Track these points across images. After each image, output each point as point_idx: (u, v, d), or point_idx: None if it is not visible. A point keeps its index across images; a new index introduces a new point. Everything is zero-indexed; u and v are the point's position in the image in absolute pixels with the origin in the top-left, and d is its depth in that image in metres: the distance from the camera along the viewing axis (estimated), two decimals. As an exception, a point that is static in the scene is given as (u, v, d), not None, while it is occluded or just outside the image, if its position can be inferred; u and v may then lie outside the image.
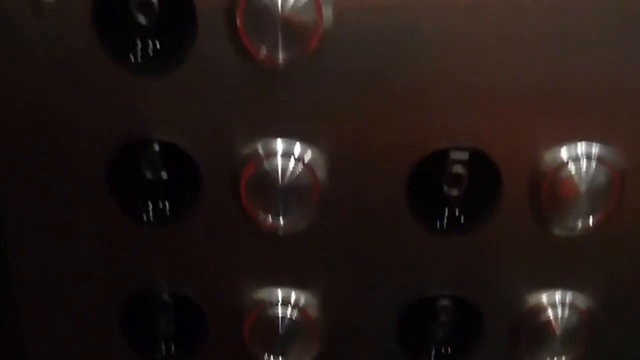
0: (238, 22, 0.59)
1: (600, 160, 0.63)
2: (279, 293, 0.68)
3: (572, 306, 0.68)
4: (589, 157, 0.63)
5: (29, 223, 0.68)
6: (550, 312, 0.68)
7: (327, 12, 0.59)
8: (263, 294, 0.69)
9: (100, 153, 0.64)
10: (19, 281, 0.71)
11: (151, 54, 0.61)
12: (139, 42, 0.60)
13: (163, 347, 0.71)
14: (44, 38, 0.61)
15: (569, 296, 0.68)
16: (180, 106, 0.63)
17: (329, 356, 0.70)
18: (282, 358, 0.69)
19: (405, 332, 0.70)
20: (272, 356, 0.70)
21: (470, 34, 0.60)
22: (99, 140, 0.64)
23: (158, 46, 0.61)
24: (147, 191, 0.65)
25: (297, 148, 0.63)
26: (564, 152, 0.63)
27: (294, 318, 0.68)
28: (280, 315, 0.68)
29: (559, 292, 0.68)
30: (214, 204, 0.66)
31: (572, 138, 0.63)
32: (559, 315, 0.68)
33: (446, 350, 0.70)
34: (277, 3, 0.58)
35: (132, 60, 0.61)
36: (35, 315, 0.72)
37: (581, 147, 0.63)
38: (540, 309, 0.68)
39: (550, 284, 0.68)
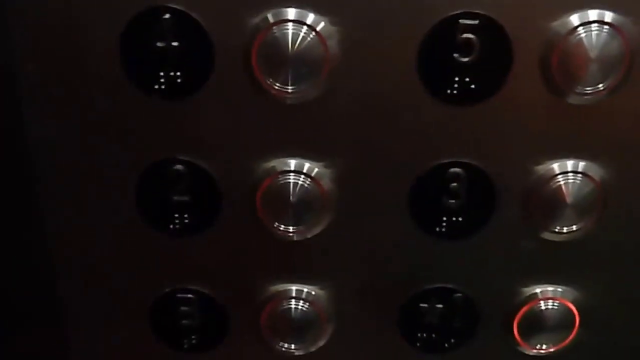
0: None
1: (611, 26, 0.62)
2: (292, 163, 0.70)
3: (584, 173, 0.69)
4: (600, 22, 0.63)
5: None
6: (561, 179, 0.69)
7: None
8: (275, 163, 0.70)
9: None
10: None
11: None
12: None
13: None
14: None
15: (581, 164, 0.69)
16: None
17: (342, 225, 0.72)
18: (294, 226, 0.71)
19: (416, 201, 0.71)
20: (282, 225, 0.72)
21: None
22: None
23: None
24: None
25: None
26: (574, 19, 0.63)
27: (306, 185, 0.69)
28: (292, 181, 0.69)
29: (571, 160, 0.69)
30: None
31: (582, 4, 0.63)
32: (570, 182, 0.69)
33: (457, 219, 0.71)
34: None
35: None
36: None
37: (592, 13, 0.63)
38: (551, 177, 0.69)
39: (563, 153, 0.69)
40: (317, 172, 0.69)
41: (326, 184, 0.70)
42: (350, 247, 0.73)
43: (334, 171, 0.70)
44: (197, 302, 0.76)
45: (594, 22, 0.62)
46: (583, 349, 0.76)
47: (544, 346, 0.76)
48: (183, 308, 0.76)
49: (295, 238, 0.72)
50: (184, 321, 0.77)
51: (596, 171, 0.69)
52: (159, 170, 0.70)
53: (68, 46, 0.66)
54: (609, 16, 0.63)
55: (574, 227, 0.71)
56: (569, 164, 0.69)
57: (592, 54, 0.63)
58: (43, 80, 0.67)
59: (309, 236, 0.72)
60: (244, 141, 0.69)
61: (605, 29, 0.62)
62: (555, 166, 0.69)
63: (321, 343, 0.77)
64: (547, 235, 0.71)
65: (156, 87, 0.66)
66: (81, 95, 0.68)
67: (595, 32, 0.62)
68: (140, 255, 0.75)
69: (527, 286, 0.75)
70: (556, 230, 0.71)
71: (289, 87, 0.65)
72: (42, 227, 0.73)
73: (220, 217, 0.72)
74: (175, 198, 0.71)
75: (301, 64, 0.64)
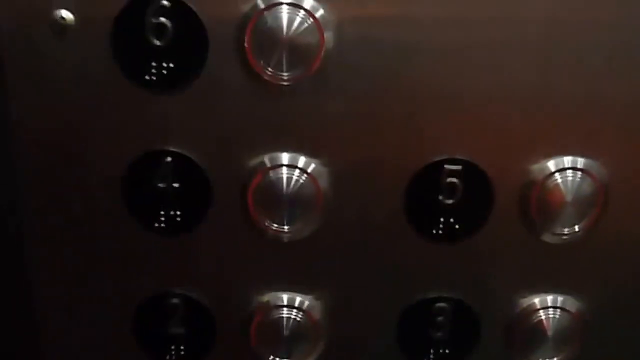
0: (246, 44, 0.64)
1: (585, 172, 0.67)
2: (285, 297, 0.72)
3: (564, 308, 0.72)
4: (574, 169, 0.67)
5: (47, 229, 0.72)
6: (542, 314, 0.72)
7: (329, 35, 0.64)
8: (269, 297, 0.72)
9: (117, 163, 0.68)
10: (36, 282, 0.74)
11: (165, 73, 0.65)
12: (154, 63, 0.65)
13: (173, 349, 0.74)
14: (66, 59, 0.66)
15: (560, 299, 0.72)
16: (192, 121, 0.67)
17: (332, 357, 0.74)
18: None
19: (404, 333, 0.73)
20: (277, 358, 0.73)
21: (462, 49, 0.64)
22: (116, 152, 0.68)
23: (172, 66, 0.65)
24: (160, 201, 0.69)
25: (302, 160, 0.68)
26: (551, 165, 0.67)
27: (298, 319, 0.72)
28: (285, 316, 0.72)
29: (551, 295, 0.72)
30: (223, 213, 0.70)
31: (559, 152, 0.67)
32: (551, 317, 0.72)
33: (444, 351, 0.74)
34: (282, 26, 0.63)
35: (148, 79, 0.65)
36: (51, 315, 0.75)
37: (568, 160, 0.67)
38: (532, 311, 0.72)
39: (542, 288, 0.72)
40: (308, 306, 0.72)
41: (316, 315, 0.72)
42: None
43: (323, 303, 0.72)
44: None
45: (568, 168, 0.67)
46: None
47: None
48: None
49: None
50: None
51: (574, 304, 0.72)
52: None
53: (71, 179, 0.69)
54: (582, 163, 0.67)
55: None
56: (549, 298, 0.72)
57: (568, 197, 0.67)
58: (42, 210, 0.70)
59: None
60: (243, 281, 0.72)
61: (579, 174, 0.67)
62: (537, 301, 0.72)
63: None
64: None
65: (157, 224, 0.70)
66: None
67: (571, 177, 0.67)
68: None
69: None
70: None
71: (285, 227, 0.68)
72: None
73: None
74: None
75: (295, 205, 0.67)
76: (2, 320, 0.75)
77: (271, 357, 0.73)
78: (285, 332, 0.72)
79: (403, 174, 0.68)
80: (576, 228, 0.68)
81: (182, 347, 0.74)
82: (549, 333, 0.72)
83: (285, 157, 0.67)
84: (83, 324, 0.75)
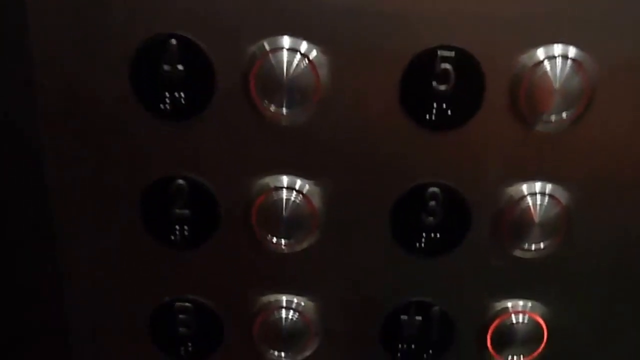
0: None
1: (573, 60, 0.69)
2: (285, 179, 0.75)
3: (552, 195, 0.74)
4: (564, 57, 0.69)
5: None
6: (529, 200, 0.75)
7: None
8: (270, 180, 0.76)
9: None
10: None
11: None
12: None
13: (177, 230, 0.79)
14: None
15: (548, 186, 0.74)
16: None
17: (327, 245, 0.77)
18: (285, 241, 0.77)
19: (397, 220, 0.76)
20: (275, 238, 0.77)
21: None
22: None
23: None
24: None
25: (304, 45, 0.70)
26: (540, 53, 0.70)
27: (297, 202, 0.75)
28: (285, 198, 0.75)
29: (539, 182, 0.75)
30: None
31: (549, 40, 0.69)
32: (538, 204, 0.74)
33: (435, 236, 0.76)
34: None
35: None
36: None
37: (557, 48, 0.69)
38: (520, 199, 0.75)
39: (531, 176, 0.75)
40: (308, 190, 0.75)
41: (316, 202, 0.76)
42: (336, 261, 0.79)
43: (323, 190, 0.75)
44: (194, 311, 0.81)
45: (558, 56, 0.69)
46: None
47: (515, 358, 0.82)
48: (181, 317, 0.81)
49: (285, 251, 0.78)
50: (181, 329, 0.81)
51: (561, 193, 0.75)
52: (162, 186, 0.76)
53: (81, 65, 0.72)
54: (572, 51, 0.70)
55: (542, 246, 0.77)
56: (537, 186, 0.75)
57: (556, 85, 0.70)
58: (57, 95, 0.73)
59: (298, 250, 0.78)
60: (241, 159, 0.75)
61: (569, 63, 0.70)
62: (524, 188, 0.75)
63: (308, 352, 0.82)
64: (517, 253, 0.77)
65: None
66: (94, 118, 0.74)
67: (560, 65, 0.70)
68: (142, 267, 0.80)
69: (498, 300, 0.81)
70: (525, 248, 0.77)
71: (284, 110, 0.72)
72: (52, 237, 0.78)
73: (217, 230, 0.78)
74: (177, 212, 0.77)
75: (294, 89, 0.70)
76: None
77: (269, 236, 0.77)
78: (285, 214, 0.75)
79: (398, 60, 0.70)
80: (564, 116, 0.71)
81: (185, 228, 0.78)
82: (536, 219, 0.75)
83: (286, 41, 0.70)
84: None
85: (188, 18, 0.69)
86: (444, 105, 0.71)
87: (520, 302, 0.80)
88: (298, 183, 0.75)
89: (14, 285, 0.81)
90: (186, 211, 0.76)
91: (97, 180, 0.76)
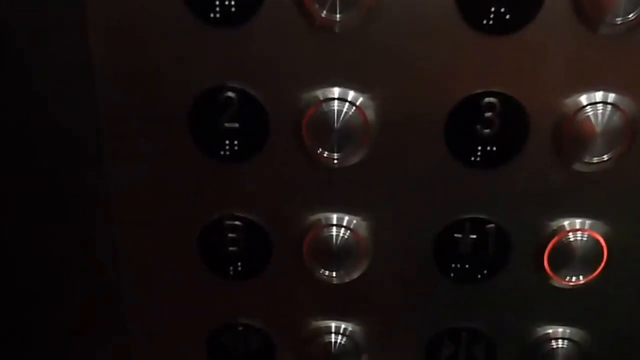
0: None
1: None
2: (336, 91, 0.74)
3: (614, 104, 0.72)
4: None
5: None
6: (589, 110, 0.71)
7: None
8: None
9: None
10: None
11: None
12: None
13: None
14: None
15: (610, 96, 0.72)
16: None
17: (379, 160, 0.76)
18: (337, 154, 0.75)
19: (452, 131, 0.74)
20: (326, 152, 0.76)
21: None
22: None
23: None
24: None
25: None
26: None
27: (350, 113, 0.73)
28: (336, 109, 0.74)
29: (600, 92, 0.72)
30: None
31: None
32: (600, 112, 0.71)
33: (492, 148, 0.74)
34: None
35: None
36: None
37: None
38: (580, 109, 0.71)
39: (592, 85, 0.72)
40: (361, 102, 0.73)
41: (369, 114, 0.74)
42: (388, 177, 0.77)
43: (376, 102, 0.74)
44: (244, 229, 0.79)
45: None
46: (612, 280, 0.79)
47: (574, 278, 0.79)
48: (230, 235, 0.79)
49: (336, 166, 0.76)
50: (230, 248, 0.80)
51: (625, 103, 0.72)
52: (211, 97, 0.74)
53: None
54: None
55: (604, 157, 0.73)
56: (598, 95, 0.72)
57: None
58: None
59: (350, 164, 0.76)
60: (293, 70, 0.73)
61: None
62: (584, 98, 0.72)
63: (358, 272, 0.81)
64: (577, 167, 0.75)
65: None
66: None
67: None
68: (191, 183, 0.79)
69: (556, 219, 0.78)
70: (585, 160, 0.74)
71: (337, 15, 0.69)
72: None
73: (267, 144, 0.76)
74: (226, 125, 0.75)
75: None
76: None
77: (320, 149, 0.75)
78: (337, 125, 0.73)
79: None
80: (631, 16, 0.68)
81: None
82: (597, 129, 0.72)
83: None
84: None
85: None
86: (502, 8, 0.68)
87: (579, 220, 0.77)
88: (351, 94, 0.73)
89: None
90: (235, 124, 0.74)
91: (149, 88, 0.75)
